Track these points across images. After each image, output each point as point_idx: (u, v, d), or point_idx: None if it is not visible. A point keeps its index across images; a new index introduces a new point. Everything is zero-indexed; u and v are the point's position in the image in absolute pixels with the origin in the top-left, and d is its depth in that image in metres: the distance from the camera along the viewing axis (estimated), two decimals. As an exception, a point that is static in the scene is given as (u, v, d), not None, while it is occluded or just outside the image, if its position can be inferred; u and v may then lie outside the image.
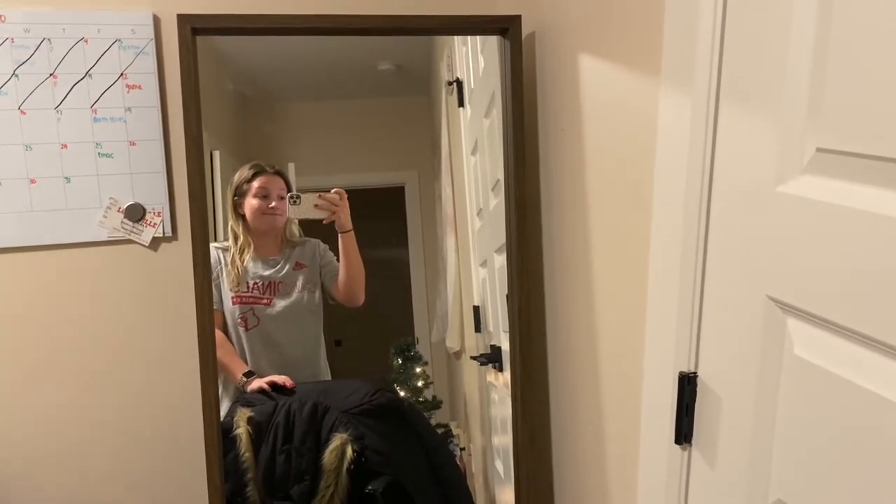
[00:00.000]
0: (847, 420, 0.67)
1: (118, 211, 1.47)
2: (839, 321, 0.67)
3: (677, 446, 0.94)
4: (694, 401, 0.91)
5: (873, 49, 0.62)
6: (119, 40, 1.41)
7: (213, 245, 1.49)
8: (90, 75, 1.41)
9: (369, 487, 1.48)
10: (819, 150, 0.70)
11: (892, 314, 0.61)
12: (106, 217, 1.47)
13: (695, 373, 0.90)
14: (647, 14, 0.97)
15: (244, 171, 1.52)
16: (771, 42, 0.75)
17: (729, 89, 0.81)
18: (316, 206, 1.50)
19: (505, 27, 1.36)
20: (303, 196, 1.50)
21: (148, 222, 1.48)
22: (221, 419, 1.46)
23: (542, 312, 1.50)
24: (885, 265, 0.61)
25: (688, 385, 0.90)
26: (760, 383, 0.79)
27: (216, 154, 1.51)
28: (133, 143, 1.45)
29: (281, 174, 1.55)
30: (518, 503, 1.48)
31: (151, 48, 1.42)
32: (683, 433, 0.92)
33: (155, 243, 1.50)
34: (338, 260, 1.57)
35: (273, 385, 1.51)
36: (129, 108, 1.43)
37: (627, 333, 1.10)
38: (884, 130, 0.61)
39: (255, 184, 1.51)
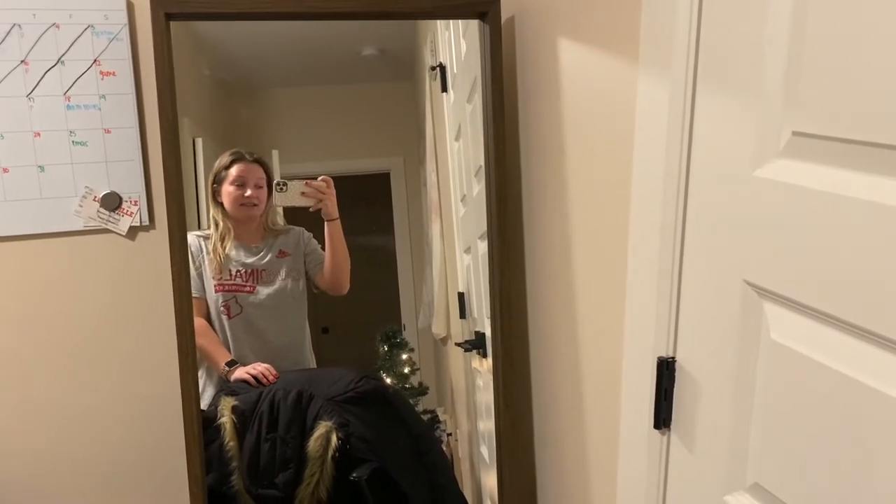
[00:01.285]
0: (823, 404, 0.67)
1: (94, 200, 1.44)
2: (815, 305, 0.67)
3: (656, 431, 0.94)
4: (672, 386, 0.91)
5: (849, 33, 0.62)
6: (92, 26, 1.38)
7: (194, 234, 1.47)
8: (63, 62, 1.38)
9: (354, 474, 1.48)
10: (795, 133, 0.69)
11: (867, 298, 0.61)
12: (81, 206, 1.45)
13: (673, 358, 0.90)
14: (625, -3, 0.96)
15: (224, 158, 1.51)
16: (747, 26, 0.74)
17: (706, 73, 0.81)
18: (303, 193, 1.48)
19: (484, 11, 1.35)
20: (289, 183, 1.48)
21: (124, 211, 1.46)
22: (206, 408, 1.46)
23: (523, 299, 1.50)
24: (859, 249, 0.61)
25: (666, 370, 0.91)
26: (738, 368, 0.79)
27: (199, 141, 1.49)
28: (108, 131, 1.42)
29: (260, 162, 1.53)
30: (500, 487, 1.49)
31: (125, 34, 1.39)
32: (662, 418, 0.93)
33: (132, 232, 1.48)
34: (323, 248, 1.56)
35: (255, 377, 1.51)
36: (104, 96, 1.41)
37: (607, 319, 1.10)
38: (859, 114, 0.61)
39: (233, 171, 1.50)
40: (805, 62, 0.67)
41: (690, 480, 0.90)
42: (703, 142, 0.82)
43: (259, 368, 1.51)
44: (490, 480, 1.60)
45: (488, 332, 1.54)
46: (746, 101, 0.75)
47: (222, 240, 1.51)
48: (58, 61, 1.38)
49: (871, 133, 0.60)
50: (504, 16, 1.38)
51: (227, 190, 1.50)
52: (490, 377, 1.53)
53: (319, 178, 1.50)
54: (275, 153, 1.58)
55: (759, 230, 0.74)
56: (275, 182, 1.49)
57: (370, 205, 1.77)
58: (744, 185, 0.76)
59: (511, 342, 1.45)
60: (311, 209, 1.50)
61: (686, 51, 0.82)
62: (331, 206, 1.51)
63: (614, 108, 1.02)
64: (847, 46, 0.62)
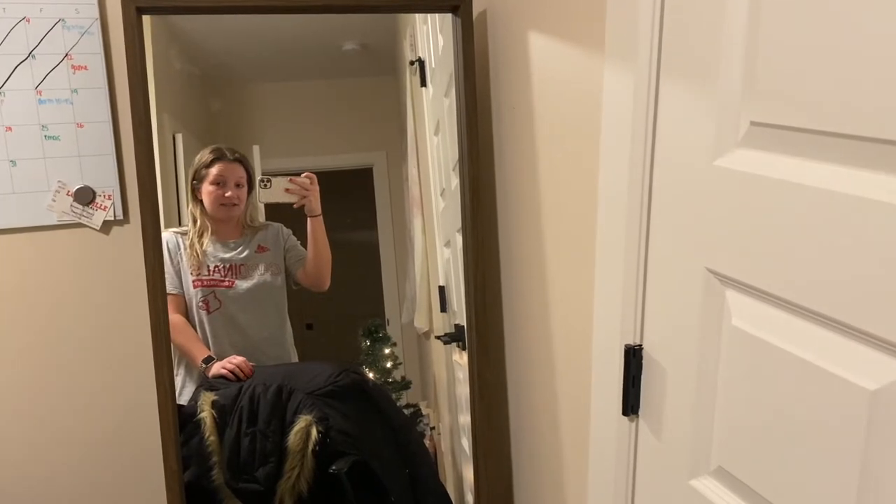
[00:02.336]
0: (782, 388, 0.69)
1: (67, 194, 1.43)
2: (775, 292, 0.68)
3: (625, 418, 0.95)
4: (640, 373, 0.92)
5: (803, 24, 0.63)
6: (63, 20, 1.37)
7: (172, 230, 1.47)
8: (33, 56, 1.37)
9: (333, 467, 1.48)
10: (753, 123, 0.70)
11: (825, 284, 0.62)
12: (55, 201, 1.44)
13: (640, 345, 0.92)
14: (592, -10, 0.97)
15: (204, 155, 1.50)
16: (706, 18, 0.75)
17: (669, 66, 0.82)
18: (287, 190, 1.48)
19: (456, 4, 1.35)
20: (273, 180, 1.47)
21: (98, 205, 1.45)
22: (186, 404, 1.46)
23: (498, 290, 1.50)
24: (815, 236, 0.63)
25: (633, 357, 0.92)
26: (701, 354, 0.80)
27: (179, 137, 1.48)
28: (81, 125, 1.41)
29: (241, 161, 1.52)
30: (476, 477, 1.50)
31: (97, 28, 1.38)
32: (630, 405, 0.94)
33: (106, 227, 1.47)
34: (304, 244, 1.56)
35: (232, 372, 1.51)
36: (76, 90, 1.40)
37: (578, 309, 1.11)
38: (814, 104, 0.62)
39: (213, 171, 1.49)
40: (762, 54, 0.68)
41: (658, 465, 0.91)
42: (667, 132, 0.83)
43: (235, 362, 1.51)
44: (470, 473, 1.61)
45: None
46: (706, 91, 0.76)
47: (200, 236, 1.51)
48: (28, 55, 1.37)
49: (826, 123, 0.61)
50: (476, 10, 1.38)
51: (207, 189, 1.50)
52: (469, 369, 1.53)
53: (303, 175, 1.49)
54: (256, 148, 1.57)
55: (719, 218, 0.75)
56: (258, 178, 1.49)
57: (353, 200, 1.77)
58: (704, 175, 0.77)
59: (486, 333, 1.46)
60: (294, 206, 1.50)
61: (650, 42, 0.83)
62: (314, 203, 1.51)
63: (582, 100, 1.03)
64: (802, 38, 0.63)
